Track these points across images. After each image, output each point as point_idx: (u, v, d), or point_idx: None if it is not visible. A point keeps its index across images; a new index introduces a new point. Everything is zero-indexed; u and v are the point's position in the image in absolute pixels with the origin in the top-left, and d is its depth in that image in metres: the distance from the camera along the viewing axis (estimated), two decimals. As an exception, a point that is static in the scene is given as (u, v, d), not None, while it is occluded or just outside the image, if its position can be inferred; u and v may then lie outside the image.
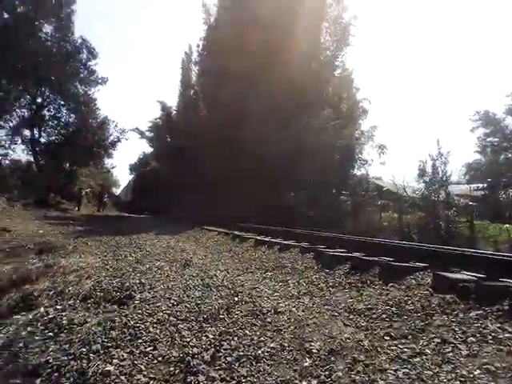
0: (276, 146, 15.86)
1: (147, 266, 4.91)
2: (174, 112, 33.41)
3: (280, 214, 15.26)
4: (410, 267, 3.52)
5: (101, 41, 79.81)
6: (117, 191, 58.03)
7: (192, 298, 3.41)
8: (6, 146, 21.42)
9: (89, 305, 3.37)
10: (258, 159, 16.49)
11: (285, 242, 6.00)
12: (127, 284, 3.82)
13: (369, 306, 2.87)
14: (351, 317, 2.74)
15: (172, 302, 3.31)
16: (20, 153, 22.50)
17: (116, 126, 23.94)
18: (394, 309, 2.73)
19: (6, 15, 16.87)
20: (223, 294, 3.52)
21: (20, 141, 21.77)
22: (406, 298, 2.89)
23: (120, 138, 24.23)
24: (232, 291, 3.59)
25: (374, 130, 20.82)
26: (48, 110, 22.55)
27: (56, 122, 23.00)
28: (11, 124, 20.58)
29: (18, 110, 21.38)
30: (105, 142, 23.41)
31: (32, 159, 22.32)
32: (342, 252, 4.73)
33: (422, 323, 2.42)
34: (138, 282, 3.95)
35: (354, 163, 19.63)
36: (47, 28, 18.12)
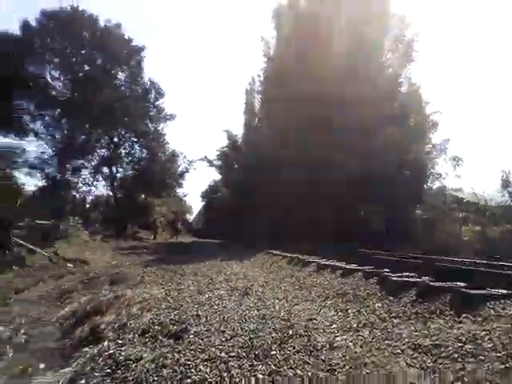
0: (343, 169, 15.59)
1: (207, 295, 4.90)
2: (240, 140, 34.65)
3: (349, 233, 14.80)
4: (489, 295, 3.04)
5: (167, 77, 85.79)
6: (190, 218, 60.03)
7: (246, 331, 3.29)
8: (89, 183, 23.48)
9: (146, 339, 3.42)
10: (325, 182, 16.25)
11: (347, 267, 5.64)
12: (184, 316, 3.82)
13: (437, 342, 2.50)
14: (415, 355, 2.40)
15: (226, 336, 3.22)
16: (101, 188, 24.37)
17: (184, 157, 25.33)
18: (467, 346, 2.34)
19: (86, 67, 18.64)
20: (278, 326, 3.35)
21: (101, 178, 23.65)
22: (482, 333, 2.46)
23: (188, 168, 25.49)
24: (288, 323, 3.40)
25: (446, 143, 19.47)
26: (124, 148, 24.51)
27: (130, 158, 24.93)
28: (93, 163, 22.38)
29: (98, 151, 23.49)
30: (174, 173, 24.64)
31: (111, 194, 24.08)
32: (408, 276, 4.30)
33: (503, 366, 2.02)
34: (195, 313, 3.93)
35: (427, 178, 18.27)
36: (120, 75, 19.79)
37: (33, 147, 19.34)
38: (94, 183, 24.04)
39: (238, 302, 4.43)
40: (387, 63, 19.52)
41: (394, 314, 3.30)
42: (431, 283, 3.63)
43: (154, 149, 23.96)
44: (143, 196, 26.42)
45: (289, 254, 9.25)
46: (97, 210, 23.78)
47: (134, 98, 19.91)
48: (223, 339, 3.14)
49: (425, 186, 18.03)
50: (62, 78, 19.00)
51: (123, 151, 24.77)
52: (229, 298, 4.77)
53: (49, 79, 18.74)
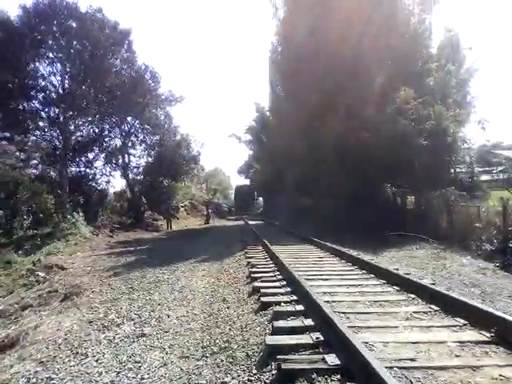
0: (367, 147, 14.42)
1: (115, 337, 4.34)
2: (267, 112, 33.59)
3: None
4: None
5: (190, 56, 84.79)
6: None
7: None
8: (107, 173, 23.70)
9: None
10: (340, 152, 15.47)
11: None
12: None
13: None
14: None
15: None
16: (118, 178, 24.60)
17: (195, 140, 24.90)
18: None
19: (79, 59, 18.22)
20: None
21: (117, 168, 23.76)
22: None
23: (200, 151, 25.17)
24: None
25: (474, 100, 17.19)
26: (135, 136, 24.32)
27: (144, 145, 24.78)
28: (104, 154, 22.48)
29: (112, 142, 23.55)
30: (186, 156, 24.30)
31: (126, 183, 24.26)
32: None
33: None
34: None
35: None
36: (115, 62, 19.25)
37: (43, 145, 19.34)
38: (112, 173, 24.04)
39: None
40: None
41: None
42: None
43: (163, 134, 23.53)
44: (161, 182, 26.32)
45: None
46: (114, 202, 23.92)
47: (131, 83, 19.21)
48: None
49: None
50: (59, 73, 18.67)
51: (135, 139, 24.57)
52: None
53: (46, 74, 18.49)
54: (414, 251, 10.43)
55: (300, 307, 3.95)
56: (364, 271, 6.12)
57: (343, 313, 3.88)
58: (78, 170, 21.25)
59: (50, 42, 17.53)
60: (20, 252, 11.90)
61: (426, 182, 14.52)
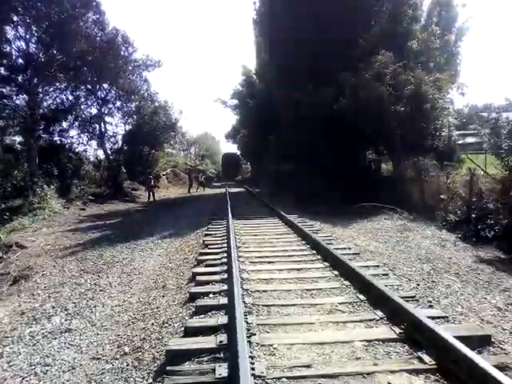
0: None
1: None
2: (254, 75, 32.63)
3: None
4: None
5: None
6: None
7: None
8: (85, 142, 23.07)
9: None
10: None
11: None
12: None
13: None
14: None
15: None
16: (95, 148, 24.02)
17: (172, 107, 24.29)
18: None
19: (47, 22, 17.16)
20: None
21: (94, 137, 23.11)
22: None
23: (177, 119, 24.54)
24: None
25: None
26: (112, 103, 23.53)
27: (121, 112, 24.07)
28: (78, 123, 21.78)
29: (88, 110, 22.80)
30: (165, 124, 23.69)
31: (103, 152, 23.73)
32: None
33: None
34: None
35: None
36: (84, 24, 18.18)
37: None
38: (89, 143, 23.42)
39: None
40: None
41: None
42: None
43: (140, 101, 22.78)
44: (141, 150, 25.79)
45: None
46: (92, 172, 23.41)
47: (103, 48, 18.27)
48: None
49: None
50: (27, 36, 17.61)
51: (112, 106, 23.77)
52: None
53: (11, 38, 17.43)
54: (382, 222, 10.44)
55: (224, 300, 3.82)
56: (314, 251, 6.04)
57: (266, 305, 3.78)
58: (50, 139, 20.48)
59: (14, 4, 16.34)
60: (-17, 228, 11.65)
61: (405, 149, 14.34)
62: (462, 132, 17.26)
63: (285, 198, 18.08)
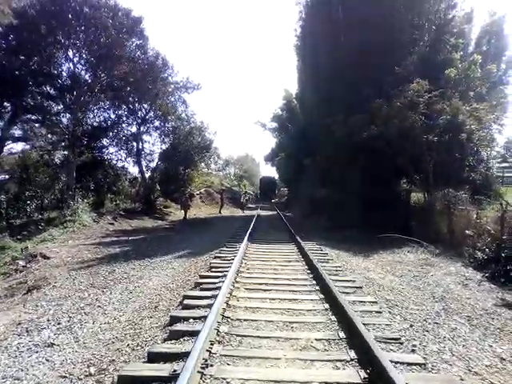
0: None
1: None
2: (294, 100, 32.99)
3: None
4: None
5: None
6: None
7: None
8: (123, 159, 24.21)
9: None
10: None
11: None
12: None
13: None
14: None
15: None
16: (132, 165, 25.08)
17: (207, 128, 25.03)
18: None
19: (95, 46, 18.46)
20: None
21: (132, 154, 24.21)
22: None
23: (212, 140, 25.30)
24: None
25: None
26: (150, 122, 24.63)
27: (158, 132, 25.09)
28: (119, 140, 22.96)
29: (128, 128, 24.06)
30: (199, 144, 24.43)
31: (138, 170, 24.73)
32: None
33: None
34: None
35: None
36: (130, 48, 19.42)
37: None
38: (127, 159, 24.51)
39: None
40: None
41: None
42: None
43: (176, 122, 23.77)
44: (177, 169, 26.57)
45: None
46: (129, 187, 24.46)
47: (144, 71, 19.35)
48: None
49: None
50: (75, 59, 19.06)
51: (151, 126, 24.90)
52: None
53: (61, 61, 18.93)
54: (404, 255, 10.02)
55: (200, 327, 3.75)
56: (315, 282, 5.86)
57: (240, 335, 3.70)
58: (91, 155, 21.69)
59: (65, 29, 17.80)
60: (19, 237, 12.38)
61: (438, 180, 13.75)
62: (503, 165, 16.31)
63: (314, 224, 17.88)
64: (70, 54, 19.14)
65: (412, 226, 12.59)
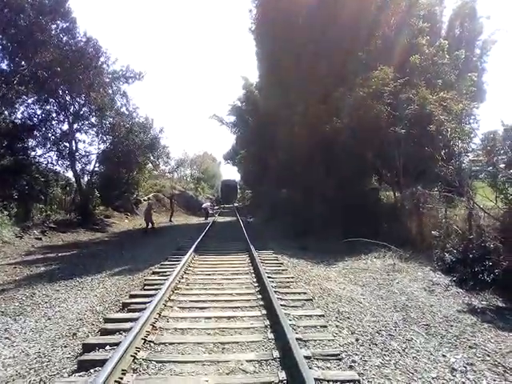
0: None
1: None
2: (255, 89, 32.61)
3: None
4: None
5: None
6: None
7: None
8: (53, 163, 23.26)
9: None
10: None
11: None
12: None
13: None
14: None
15: None
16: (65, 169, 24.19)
17: (151, 124, 24.71)
18: None
19: (13, 29, 17.73)
20: None
21: (64, 157, 23.33)
22: None
23: (158, 136, 24.95)
24: None
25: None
26: (86, 119, 23.92)
27: (95, 129, 24.41)
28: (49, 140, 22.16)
29: (59, 126, 23.28)
30: (143, 142, 24.07)
31: (72, 174, 23.92)
32: None
33: None
34: None
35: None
36: (54, 31, 18.86)
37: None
38: (59, 162, 23.59)
39: None
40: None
41: None
42: None
43: (114, 117, 23.20)
44: (119, 172, 25.99)
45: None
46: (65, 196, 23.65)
47: (73, 58, 18.78)
48: None
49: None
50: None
51: (86, 122, 24.19)
52: None
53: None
54: (371, 261, 10.37)
55: (106, 355, 3.71)
56: (260, 296, 5.96)
57: (161, 361, 3.74)
58: (13, 158, 20.74)
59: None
60: None
61: (409, 177, 14.25)
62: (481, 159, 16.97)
63: (276, 229, 18.06)
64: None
65: (382, 228, 12.93)
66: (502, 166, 8.46)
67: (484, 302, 6.75)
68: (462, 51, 17.62)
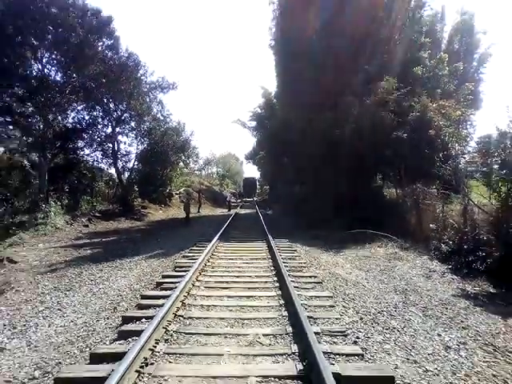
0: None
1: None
2: (273, 98, 32.71)
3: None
4: None
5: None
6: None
7: None
8: (99, 160, 23.82)
9: None
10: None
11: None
12: None
13: None
14: None
15: None
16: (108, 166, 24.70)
17: (183, 128, 24.87)
18: None
19: (65, 46, 18.06)
20: None
21: (107, 156, 23.81)
22: None
23: (189, 139, 25.15)
24: None
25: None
26: (127, 123, 24.31)
27: (135, 132, 24.78)
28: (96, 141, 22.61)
29: (104, 129, 23.71)
30: (176, 144, 24.31)
31: (115, 171, 24.37)
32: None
33: None
34: None
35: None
36: (100, 48, 19.15)
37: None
38: (104, 161, 24.11)
39: None
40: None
41: None
42: None
43: (151, 122, 23.53)
44: (157, 169, 26.36)
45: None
46: (108, 189, 24.13)
47: (116, 71, 19.08)
48: None
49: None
50: (44, 60, 18.63)
51: (127, 126, 24.59)
52: None
53: (30, 62, 18.44)
54: (374, 250, 10.24)
55: (142, 327, 3.74)
56: (276, 278, 5.94)
57: (189, 333, 3.77)
58: (65, 157, 21.27)
59: (33, 30, 17.39)
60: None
61: (410, 176, 14.03)
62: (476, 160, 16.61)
63: (290, 221, 18.02)
64: (39, 54, 18.70)
65: (385, 221, 12.79)
66: (496, 166, 8.26)
67: (476, 288, 6.61)
68: (460, 63, 17.34)
